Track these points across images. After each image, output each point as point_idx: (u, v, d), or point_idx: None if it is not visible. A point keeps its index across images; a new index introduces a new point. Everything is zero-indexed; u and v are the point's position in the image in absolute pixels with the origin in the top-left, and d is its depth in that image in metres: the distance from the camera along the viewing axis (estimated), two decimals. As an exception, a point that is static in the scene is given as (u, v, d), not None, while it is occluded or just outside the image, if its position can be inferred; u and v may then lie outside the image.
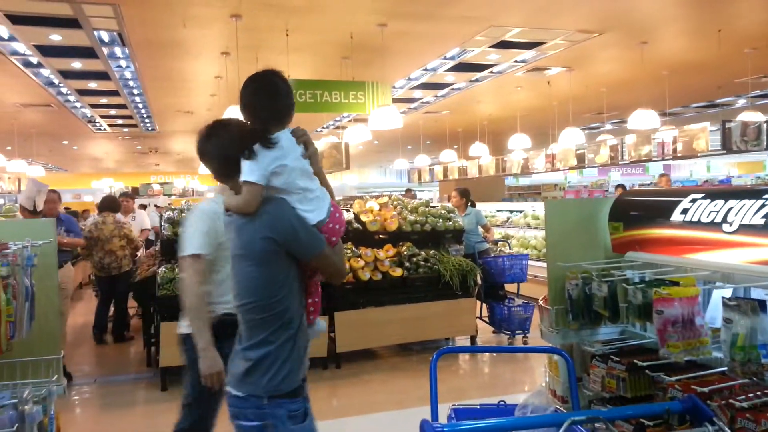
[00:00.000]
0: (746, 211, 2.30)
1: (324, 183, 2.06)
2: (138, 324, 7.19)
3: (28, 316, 2.27)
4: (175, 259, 5.53)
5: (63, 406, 4.43)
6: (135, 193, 17.91)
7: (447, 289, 6.07)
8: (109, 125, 13.95)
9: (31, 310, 2.29)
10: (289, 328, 1.93)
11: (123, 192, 13.11)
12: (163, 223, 5.82)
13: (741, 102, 12.40)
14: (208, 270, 2.62)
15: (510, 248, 8.21)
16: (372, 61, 7.84)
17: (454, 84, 10.12)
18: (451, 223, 6.64)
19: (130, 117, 12.83)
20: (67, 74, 8.81)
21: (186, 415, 2.84)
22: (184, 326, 2.71)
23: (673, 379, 2.27)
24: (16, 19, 6.29)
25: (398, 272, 5.96)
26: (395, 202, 6.91)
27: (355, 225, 6.22)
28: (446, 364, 5.86)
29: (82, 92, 10.14)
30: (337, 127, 14.20)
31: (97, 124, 13.71)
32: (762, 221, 2.21)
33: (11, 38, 7.00)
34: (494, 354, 6.31)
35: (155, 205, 12.17)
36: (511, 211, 11.03)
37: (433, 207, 6.97)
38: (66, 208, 10.52)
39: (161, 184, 23.88)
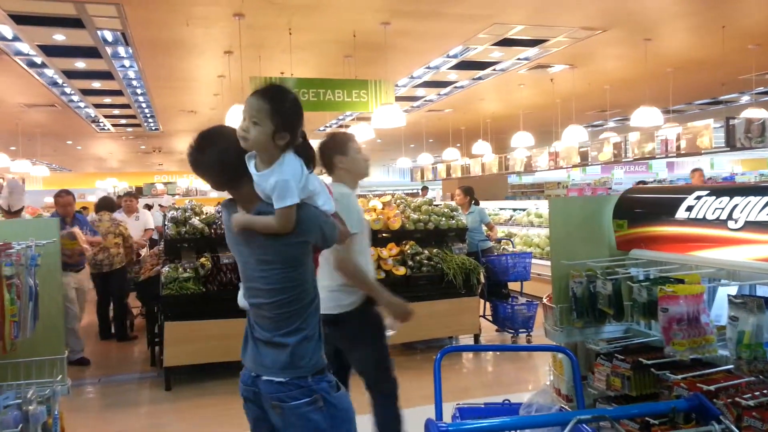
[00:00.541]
0: (752, 207, 2.29)
1: None
2: (142, 323, 7.20)
3: (32, 316, 2.27)
4: (179, 259, 5.55)
5: (67, 406, 4.44)
6: (139, 192, 17.93)
7: (450, 287, 6.06)
8: (113, 125, 13.98)
9: (35, 309, 2.29)
10: (317, 309, 2.06)
11: (127, 192, 13.14)
12: (166, 223, 5.82)
13: (745, 99, 12.34)
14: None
15: (513, 246, 8.19)
16: (375, 59, 7.83)
17: (457, 82, 10.10)
18: (454, 221, 6.62)
19: (133, 117, 12.85)
20: (70, 74, 8.82)
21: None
22: (334, 306, 2.97)
23: (679, 377, 2.26)
24: (19, 19, 6.30)
25: (401, 271, 5.95)
26: (398, 201, 6.90)
27: (359, 224, 6.21)
28: (450, 362, 5.85)
29: (86, 92, 10.16)
30: (340, 126, 14.20)
31: (101, 124, 13.73)
32: (767, 218, 2.20)
33: (15, 38, 7.01)
34: (498, 353, 6.30)
35: (159, 205, 12.17)
36: (514, 210, 11.01)
37: (436, 205, 6.96)
38: (83, 208, 10.30)
39: (165, 183, 23.91)
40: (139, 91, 10.21)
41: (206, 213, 6.02)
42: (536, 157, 12.87)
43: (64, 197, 6.14)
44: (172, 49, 7.61)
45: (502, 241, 8.13)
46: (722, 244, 2.39)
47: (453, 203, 7.25)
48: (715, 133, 8.61)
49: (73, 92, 10.11)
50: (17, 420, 2.05)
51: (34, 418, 2.08)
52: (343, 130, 13.83)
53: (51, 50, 7.54)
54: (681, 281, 2.32)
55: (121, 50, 7.72)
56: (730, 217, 2.37)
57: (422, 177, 18.90)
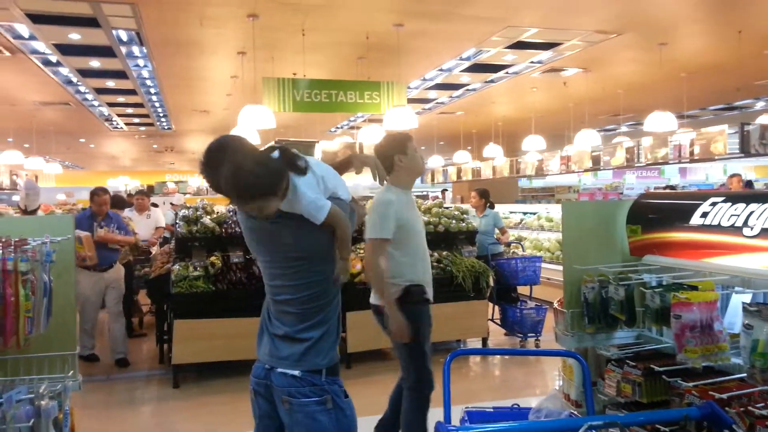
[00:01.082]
0: (768, 215, 2.26)
1: None
2: (151, 321, 7.24)
3: (46, 312, 2.29)
4: (189, 257, 5.58)
5: (75, 402, 4.48)
6: (150, 191, 18.04)
7: (459, 290, 6.04)
8: (126, 124, 14.09)
9: (48, 305, 2.30)
10: (338, 304, 2.13)
11: (138, 190, 13.23)
12: (178, 221, 5.86)
13: (760, 104, 12.24)
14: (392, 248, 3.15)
15: (523, 250, 8.16)
16: (388, 61, 7.84)
17: (469, 84, 10.09)
18: (464, 224, 6.61)
19: (146, 116, 12.94)
20: (85, 73, 8.90)
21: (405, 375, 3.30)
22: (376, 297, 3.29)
23: (691, 385, 2.24)
24: (36, 18, 6.37)
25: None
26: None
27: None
28: (457, 366, 5.83)
29: (100, 91, 10.25)
30: (352, 127, 14.22)
31: (114, 123, 13.85)
32: (784, 226, 2.18)
33: (31, 37, 7.09)
34: (505, 357, 6.28)
35: (171, 203, 12.24)
36: (525, 213, 10.97)
37: (447, 208, 6.94)
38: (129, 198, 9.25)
39: (176, 182, 24.06)
40: (152, 90, 10.28)
41: (217, 212, 6.05)
42: (548, 160, 12.81)
43: (101, 196, 6.02)
44: (185, 49, 7.66)
45: (512, 244, 8.10)
46: (737, 252, 2.36)
47: (463, 206, 7.23)
48: (729, 139, 8.53)
49: (87, 91, 10.20)
50: (29, 414, 2.07)
51: (45, 413, 2.10)
52: (353, 131, 13.86)
53: (66, 49, 7.62)
54: (695, 288, 2.30)
55: (136, 50, 7.78)
56: (745, 224, 2.34)
57: (432, 179, 18.87)
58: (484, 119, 13.56)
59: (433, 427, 1.62)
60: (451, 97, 11.10)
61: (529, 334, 6.59)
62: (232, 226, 5.75)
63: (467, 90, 10.50)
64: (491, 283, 6.36)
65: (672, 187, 12.51)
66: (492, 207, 7.54)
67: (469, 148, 15.78)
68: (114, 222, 6.05)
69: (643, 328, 2.83)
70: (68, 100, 10.81)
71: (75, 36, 7.06)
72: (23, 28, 6.80)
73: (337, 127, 14.53)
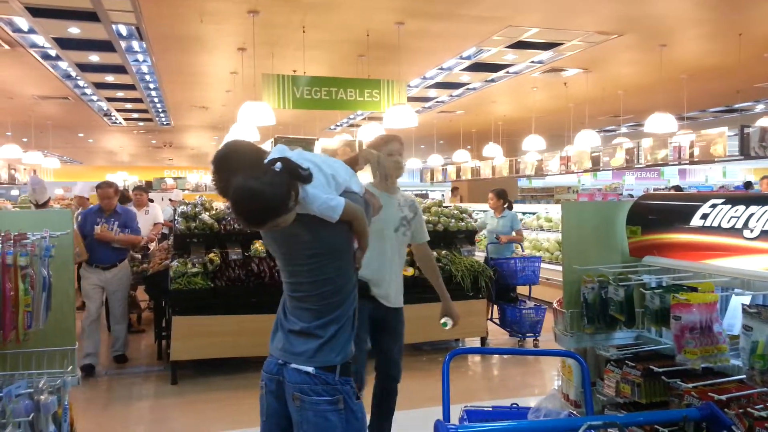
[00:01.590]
0: (769, 217, 2.27)
1: None
2: (149, 317, 7.23)
3: (45, 307, 2.29)
4: (188, 253, 5.57)
5: (75, 397, 4.47)
6: (149, 186, 18.01)
7: (458, 289, 6.04)
8: (125, 119, 14.06)
9: (47, 300, 2.30)
10: (354, 299, 2.12)
11: (137, 185, 13.21)
12: (176, 218, 5.85)
13: (760, 107, 12.25)
14: None
15: (522, 250, 8.16)
16: (388, 59, 7.83)
17: (469, 84, 10.08)
18: (463, 223, 6.61)
19: (145, 111, 12.91)
20: (84, 67, 8.88)
21: None
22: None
23: (690, 386, 2.24)
24: (35, 12, 6.35)
25: (409, 272, 5.94)
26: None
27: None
28: (456, 365, 5.84)
29: (99, 85, 10.22)
30: (351, 125, 14.20)
31: (113, 118, 13.82)
32: (785, 228, 2.18)
33: (30, 30, 7.07)
34: (504, 356, 6.28)
35: (170, 199, 12.21)
36: (524, 213, 10.97)
37: (446, 207, 6.94)
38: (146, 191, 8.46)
39: (175, 178, 24.02)
40: (151, 85, 10.26)
41: (216, 209, 6.03)
42: (547, 161, 12.81)
43: (103, 189, 5.80)
44: (185, 45, 7.64)
45: (514, 244, 8.10)
46: (737, 253, 2.37)
47: (462, 205, 7.22)
48: (729, 141, 8.54)
49: (86, 85, 10.17)
50: (29, 409, 2.06)
51: (45, 408, 2.10)
52: (353, 129, 13.85)
53: (65, 43, 7.59)
54: (694, 289, 2.30)
55: (135, 44, 7.75)
56: (745, 225, 2.35)
57: (432, 178, 18.87)
58: (484, 119, 13.55)
59: (433, 425, 1.62)
60: (451, 96, 11.10)
61: (527, 334, 6.60)
62: (231, 222, 5.74)
63: (467, 89, 10.49)
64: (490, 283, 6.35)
65: (678, 188, 12.48)
66: (510, 207, 7.49)
67: (469, 147, 15.79)
68: (119, 219, 5.80)
69: (643, 329, 2.84)
70: (67, 95, 10.79)
71: (74, 30, 7.04)
72: (23, 22, 6.77)
73: (337, 125, 14.52)
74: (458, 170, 16.40)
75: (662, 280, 2.64)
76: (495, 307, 6.94)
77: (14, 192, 17.39)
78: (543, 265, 7.41)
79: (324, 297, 2.04)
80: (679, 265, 2.64)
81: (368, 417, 3.41)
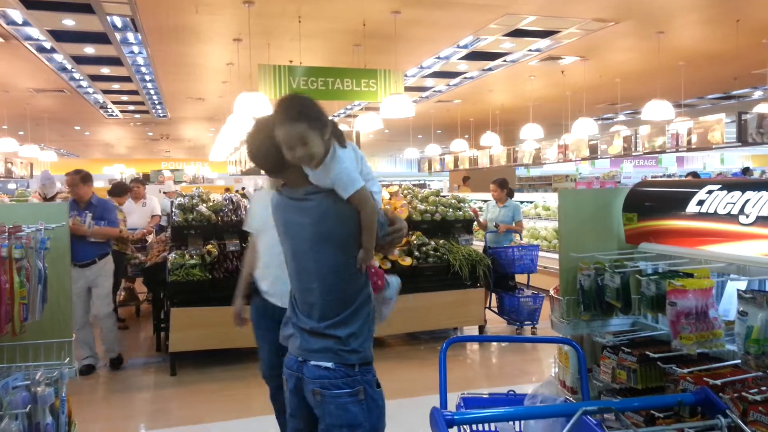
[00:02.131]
0: (764, 202, 2.27)
1: None
2: (148, 309, 7.25)
3: (41, 299, 2.29)
4: (185, 245, 5.57)
5: (73, 389, 4.48)
6: (146, 179, 17.99)
7: (456, 278, 6.06)
8: (121, 111, 14.01)
9: (43, 292, 2.30)
10: (368, 299, 2.09)
11: (134, 178, 13.19)
12: (174, 210, 5.84)
13: (758, 94, 12.22)
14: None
15: (520, 239, 8.16)
16: (384, 48, 7.80)
17: (466, 73, 10.04)
18: (461, 212, 6.62)
19: (141, 103, 12.87)
20: (79, 59, 8.83)
21: None
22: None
23: (685, 371, 2.26)
24: (30, 4, 6.30)
25: (408, 261, 5.95)
26: (405, 191, 6.90)
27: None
28: (454, 353, 5.86)
29: (95, 78, 10.17)
30: (348, 116, 14.16)
31: (109, 110, 13.77)
32: (780, 213, 2.18)
33: (25, 23, 7.02)
34: (502, 344, 6.30)
35: (164, 192, 12.18)
36: (522, 202, 10.96)
37: (444, 196, 6.94)
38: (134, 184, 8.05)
39: (172, 170, 23.99)
40: (147, 77, 10.21)
41: (213, 200, 6.03)
42: (545, 149, 12.81)
43: (70, 176, 5.32)
44: (181, 36, 7.60)
45: (512, 233, 8.10)
46: (733, 239, 2.37)
47: (461, 194, 7.21)
48: (726, 128, 8.53)
49: (81, 78, 10.12)
50: (26, 401, 2.07)
51: (42, 400, 2.10)
52: (351, 120, 13.80)
53: (60, 35, 7.55)
54: (690, 275, 2.31)
55: (131, 36, 7.71)
56: (741, 211, 2.35)
57: (430, 168, 18.86)
58: (481, 108, 13.52)
59: (429, 413, 1.62)
60: (448, 85, 11.06)
61: (525, 322, 6.62)
62: (228, 214, 5.74)
63: (465, 78, 10.45)
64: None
65: (695, 174, 12.39)
66: (511, 195, 7.47)
67: (467, 136, 15.75)
68: (94, 211, 5.30)
69: (639, 315, 2.85)
70: (63, 87, 10.74)
71: (69, 22, 6.99)
72: (17, 14, 6.72)
73: (334, 116, 14.48)
74: (456, 160, 16.39)
75: (658, 266, 2.64)
76: (493, 295, 6.96)
77: (11, 186, 17.33)
78: (541, 253, 7.42)
79: (329, 290, 2.03)
80: (675, 252, 2.65)
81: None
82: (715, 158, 23.49)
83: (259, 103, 6.95)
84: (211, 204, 5.88)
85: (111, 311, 5.60)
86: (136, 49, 8.31)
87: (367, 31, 7.18)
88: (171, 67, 9.35)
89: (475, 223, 6.98)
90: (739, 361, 2.15)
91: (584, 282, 2.81)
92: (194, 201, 5.87)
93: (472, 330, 6.40)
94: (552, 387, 2.35)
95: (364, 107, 12.61)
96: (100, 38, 7.65)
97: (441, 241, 6.26)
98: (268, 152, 2.02)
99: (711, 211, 2.50)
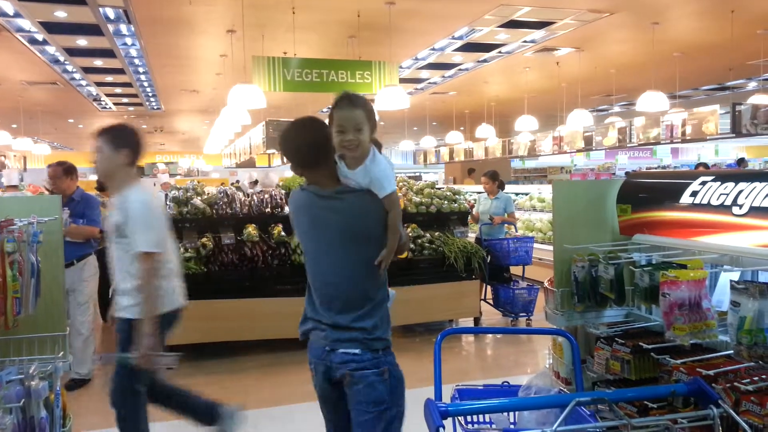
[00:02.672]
0: (757, 193, 2.27)
1: None
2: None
3: (34, 293, 2.28)
4: (180, 238, 5.55)
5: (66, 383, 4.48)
6: (140, 172, 17.90)
7: (451, 271, 6.07)
8: (115, 104, 13.93)
9: (36, 286, 2.29)
10: (388, 292, 2.26)
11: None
12: (168, 203, 5.82)
13: (752, 85, 12.24)
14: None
15: (516, 231, 8.18)
16: (379, 40, 7.76)
17: (461, 64, 10.02)
18: (456, 204, 6.62)
19: (135, 95, 12.79)
20: (72, 51, 8.77)
21: None
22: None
23: (679, 362, 2.27)
24: (20, -5, 6.25)
25: (403, 254, 5.95)
26: (401, 183, 6.89)
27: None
28: (449, 345, 5.88)
29: (88, 70, 10.11)
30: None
31: (103, 103, 13.69)
32: (773, 204, 2.19)
33: (16, 14, 6.96)
34: (497, 336, 6.33)
35: (160, 185, 12.15)
36: (517, 194, 10.99)
37: (439, 189, 6.94)
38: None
39: (166, 163, 23.89)
40: (141, 69, 10.15)
41: (208, 193, 6.01)
42: (540, 141, 12.80)
43: (51, 168, 4.92)
44: (174, 28, 7.54)
45: (505, 225, 8.11)
46: (726, 230, 2.38)
47: (456, 186, 7.22)
48: (721, 119, 8.54)
49: (74, 70, 10.06)
50: (19, 395, 2.06)
51: (36, 394, 2.10)
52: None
53: (52, 27, 7.48)
54: (683, 266, 2.31)
55: (123, 28, 7.65)
56: (734, 202, 2.36)
57: (425, 160, 18.83)
58: (476, 99, 13.50)
59: (423, 404, 1.63)
60: (443, 77, 11.03)
61: (521, 314, 6.64)
62: (223, 207, 5.73)
63: (460, 70, 10.43)
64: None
65: (704, 165, 12.40)
66: (503, 188, 7.49)
67: (462, 128, 15.72)
68: (75, 207, 4.81)
69: (632, 307, 2.86)
70: (56, 80, 10.67)
71: (61, 14, 6.93)
72: (8, 5, 6.66)
73: (329, 108, 14.42)
74: (451, 152, 16.37)
75: (652, 257, 2.65)
76: (488, 287, 6.98)
77: (3, 179, 17.23)
78: (536, 245, 7.44)
79: (353, 285, 2.18)
80: (668, 243, 2.65)
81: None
82: (710, 149, 23.55)
83: (253, 95, 6.92)
84: (205, 197, 5.86)
85: (87, 322, 4.86)
86: (129, 40, 8.26)
87: (361, 23, 7.15)
88: (165, 59, 9.29)
89: (469, 216, 7.00)
90: (731, 351, 2.16)
91: (578, 273, 2.81)
92: (189, 194, 5.85)
93: (468, 322, 6.42)
94: (546, 378, 2.37)
95: (359, 99, 12.55)
96: (93, 30, 7.59)
97: (436, 234, 6.27)
98: (308, 149, 2.18)
99: (704, 202, 2.50)
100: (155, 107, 14.44)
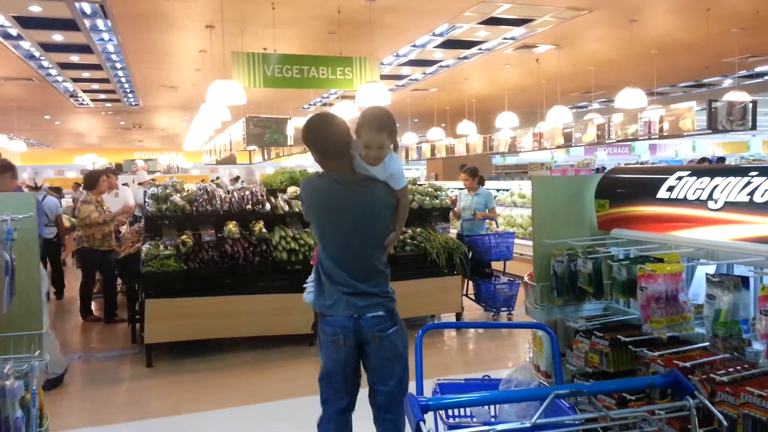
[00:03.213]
0: (732, 188, 2.31)
1: None
2: (122, 300, 7.15)
3: (8, 291, 2.23)
4: (159, 236, 5.50)
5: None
6: (119, 169, 17.65)
7: (433, 267, 6.08)
8: (92, 100, 13.71)
9: (11, 284, 2.24)
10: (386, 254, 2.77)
11: (106, 168, 12.92)
12: (147, 200, 5.75)
13: (728, 82, 12.44)
14: None
15: (497, 226, 8.23)
16: (360, 36, 7.74)
17: (442, 61, 10.04)
18: (438, 201, 6.64)
19: (113, 91, 12.61)
20: (48, 47, 8.61)
21: None
22: None
23: (656, 354, 2.30)
24: (-7, -11, 6.12)
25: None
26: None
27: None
28: (431, 340, 5.90)
29: (64, 66, 9.93)
30: (324, 104, 14.07)
31: (80, 99, 13.47)
32: (747, 198, 2.23)
33: (-12, 8, 6.81)
34: (479, 331, 6.36)
35: (139, 183, 11.98)
36: (498, 190, 11.05)
37: (421, 185, 6.95)
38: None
39: (145, 160, 23.60)
40: (118, 65, 10.00)
41: (188, 190, 5.95)
42: (521, 137, 12.88)
43: None
44: (152, 23, 7.44)
45: (486, 221, 8.15)
46: (702, 224, 2.41)
47: (437, 183, 7.23)
48: (697, 116, 8.67)
49: (50, 66, 9.87)
50: (-6, 395, 2.02)
51: (11, 393, 2.05)
52: (326, 108, 13.71)
53: (27, 22, 7.34)
54: (660, 260, 2.34)
55: (100, 23, 7.53)
56: (710, 197, 2.39)
57: (407, 157, 18.84)
58: (457, 96, 13.54)
59: (404, 398, 1.63)
60: (424, 73, 11.04)
61: (502, 309, 6.69)
62: (203, 204, 5.67)
63: (440, 66, 10.45)
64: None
65: (707, 160, 12.54)
66: (483, 183, 7.51)
67: (443, 125, 15.76)
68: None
69: (611, 300, 2.89)
70: (31, 75, 10.47)
71: (36, 8, 6.80)
72: (-20, 0, 6.53)
73: (310, 104, 14.37)
74: (432, 148, 16.40)
75: (629, 252, 2.68)
76: (470, 282, 7.01)
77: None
78: (517, 240, 7.49)
79: (368, 258, 2.60)
80: (645, 237, 2.69)
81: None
82: (687, 146, 23.91)
83: (233, 91, 6.86)
84: (185, 194, 5.80)
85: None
86: (106, 36, 8.12)
87: (342, 19, 7.12)
88: (142, 55, 9.17)
89: (450, 212, 7.02)
90: (707, 343, 2.19)
91: (557, 268, 2.84)
92: (168, 191, 5.79)
93: (450, 317, 6.45)
94: (526, 372, 2.39)
95: (340, 95, 12.52)
96: (69, 25, 7.46)
97: (418, 230, 6.28)
98: (334, 144, 2.54)
99: (681, 197, 2.54)
100: (133, 103, 14.24)
